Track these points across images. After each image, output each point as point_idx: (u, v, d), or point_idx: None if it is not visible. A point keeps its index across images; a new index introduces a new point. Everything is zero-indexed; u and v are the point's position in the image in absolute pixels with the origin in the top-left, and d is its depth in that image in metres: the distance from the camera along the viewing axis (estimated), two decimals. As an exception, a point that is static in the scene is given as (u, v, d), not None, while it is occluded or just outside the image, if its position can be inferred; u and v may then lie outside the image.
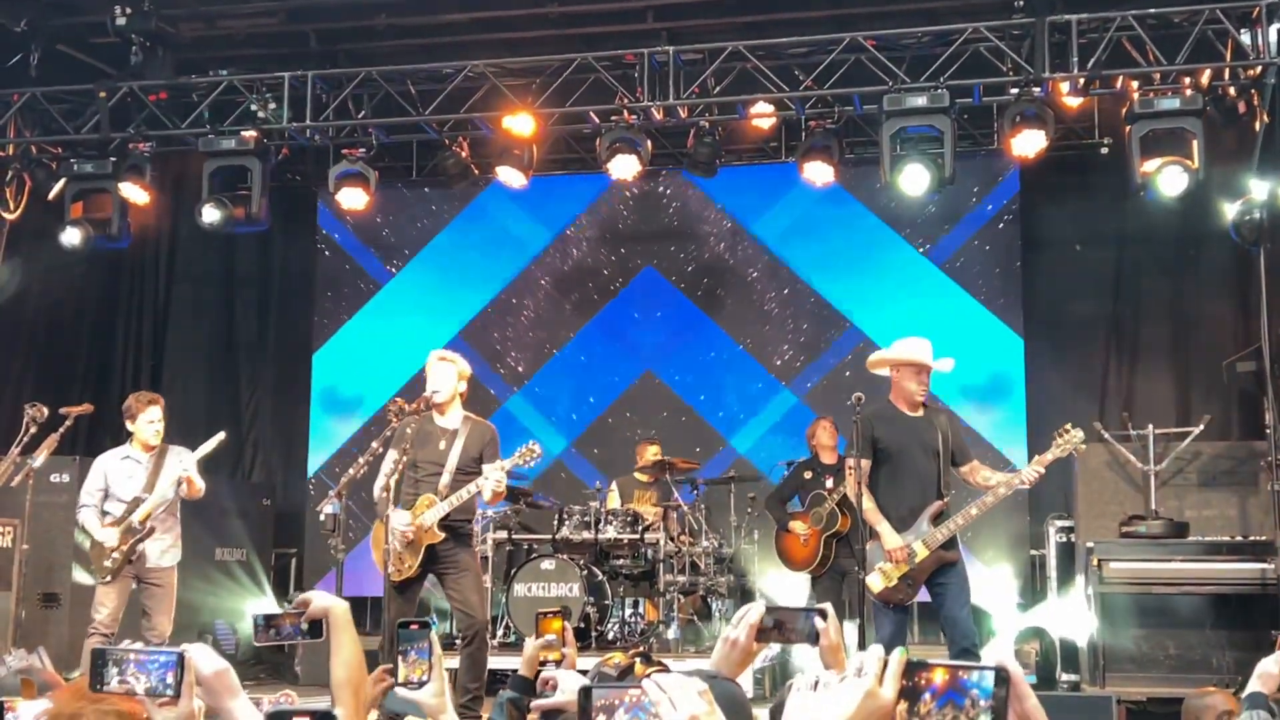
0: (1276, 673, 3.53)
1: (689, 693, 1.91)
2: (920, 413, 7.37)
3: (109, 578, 7.93)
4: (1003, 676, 1.75)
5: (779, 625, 2.74)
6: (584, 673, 2.93)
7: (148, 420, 8.13)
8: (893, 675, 1.79)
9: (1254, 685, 3.54)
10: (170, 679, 2.42)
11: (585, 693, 2.05)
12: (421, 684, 2.65)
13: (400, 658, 2.65)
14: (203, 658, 2.47)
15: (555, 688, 2.82)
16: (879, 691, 1.78)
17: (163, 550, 8.07)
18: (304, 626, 2.85)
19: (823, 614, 2.71)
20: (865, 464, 7.20)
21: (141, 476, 8.08)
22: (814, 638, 2.71)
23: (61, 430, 8.11)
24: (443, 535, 7.35)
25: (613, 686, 2.06)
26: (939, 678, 1.77)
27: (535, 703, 2.86)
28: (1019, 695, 1.84)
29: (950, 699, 1.75)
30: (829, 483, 9.74)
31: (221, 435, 8.25)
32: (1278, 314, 8.70)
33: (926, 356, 7.28)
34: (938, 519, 7.16)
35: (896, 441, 7.28)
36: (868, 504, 7.15)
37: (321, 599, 2.93)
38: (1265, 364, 8.83)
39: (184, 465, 7.98)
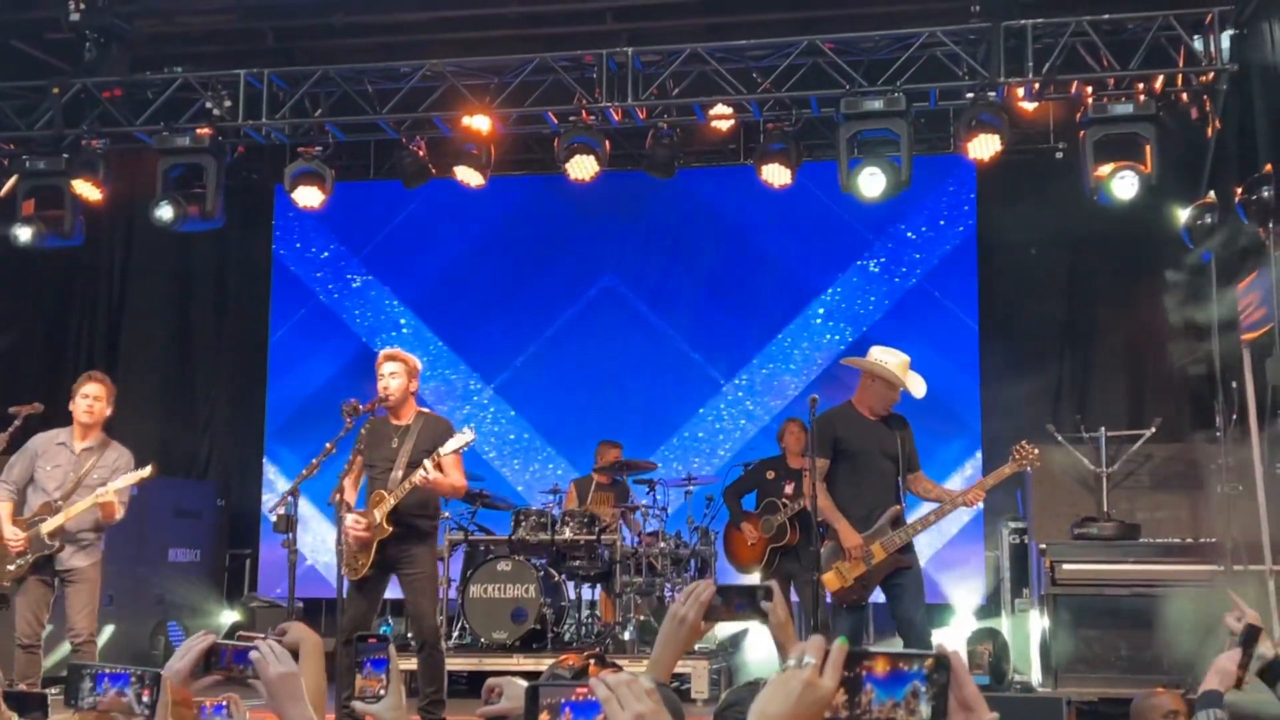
0: (1233, 669, 3.47)
1: (636, 691, 1.92)
2: (878, 419, 7.42)
3: (7, 583, 7.44)
4: (943, 663, 1.75)
5: (727, 603, 2.75)
6: (538, 675, 2.93)
7: (83, 394, 7.65)
8: (833, 665, 1.78)
9: (1210, 682, 3.48)
10: (146, 698, 2.39)
11: (532, 692, 2.05)
12: (378, 697, 2.63)
13: (357, 670, 2.63)
14: (271, 660, 2.45)
15: (500, 694, 2.81)
16: (819, 681, 1.77)
17: (75, 551, 7.54)
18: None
19: (768, 592, 2.73)
20: (822, 463, 7.24)
21: (67, 470, 7.60)
22: (762, 615, 2.74)
23: (10, 430, 7.96)
24: (391, 530, 7.27)
25: (559, 685, 2.07)
26: (879, 667, 1.76)
27: (480, 709, 2.84)
28: (959, 681, 1.85)
29: (891, 688, 1.75)
30: (789, 489, 9.77)
31: (148, 470, 7.62)
32: (1228, 318, 8.79)
33: (903, 377, 7.31)
34: (896, 523, 7.21)
35: (857, 443, 7.34)
36: (825, 501, 7.21)
37: (297, 630, 2.92)
38: (1216, 367, 8.92)
39: (105, 488, 7.40)
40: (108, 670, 2.43)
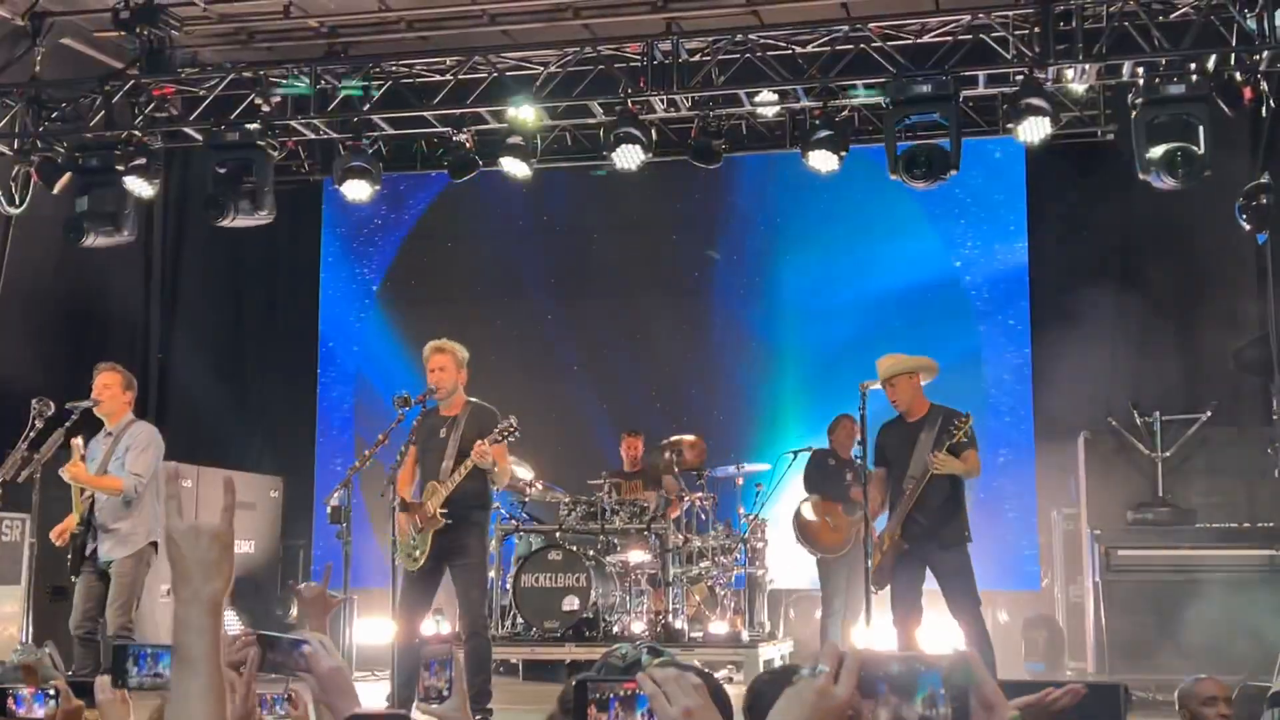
0: None
1: (684, 686, 1.92)
2: (915, 418, 7.87)
3: (72, 576, 7.72)
4: (959, 663, 1.73)
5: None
6: (590, 664, 2.93)
7: (98, 386, 7.95)
8: (848, 671, 1.75)
9: None
10: None
11: (580, 686, 2.06)
12: (442, 697, 2.64)
13: (423, 670, 2.64)
14: (323, 654, 2.49)
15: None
16: (833, 689, 1.74)
17: (112, 544, 7.70)
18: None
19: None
20: (878, 471, 8.06)
21: (98, 460, 7.83)
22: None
23: (68, 424, 8.06)
24: (445, 522, 7.37)
25: (607, 680, 2.07)
26: (894, 670, 1.73)
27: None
28: (978, 680, 1.83)
29: (907, 691, 1.72)
30: (850, 477, 9.79)
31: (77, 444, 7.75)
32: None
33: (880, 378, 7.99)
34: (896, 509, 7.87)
35: (892, 446, 8.00)
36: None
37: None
38: (1272, 350, 8.81)
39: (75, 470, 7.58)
40: (149, 650, 2.47)
